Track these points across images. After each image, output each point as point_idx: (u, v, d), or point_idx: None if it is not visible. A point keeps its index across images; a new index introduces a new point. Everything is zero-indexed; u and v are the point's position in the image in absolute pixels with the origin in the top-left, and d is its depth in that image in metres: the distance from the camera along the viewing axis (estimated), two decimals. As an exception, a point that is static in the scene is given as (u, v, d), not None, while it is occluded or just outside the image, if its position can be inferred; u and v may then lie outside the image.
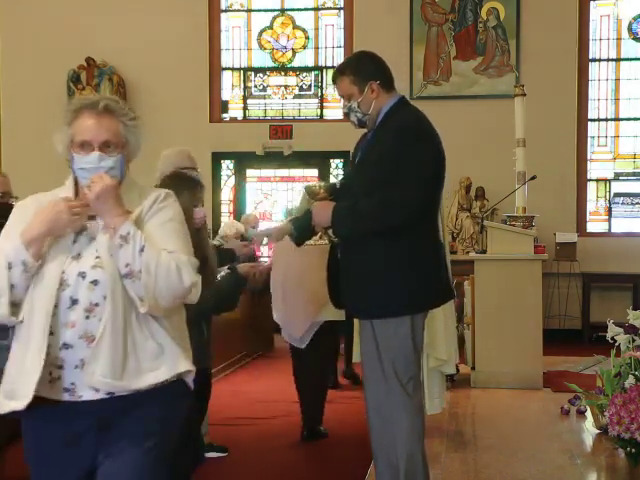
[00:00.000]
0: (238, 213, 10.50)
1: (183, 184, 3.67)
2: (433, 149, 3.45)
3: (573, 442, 5.40)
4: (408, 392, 3.42)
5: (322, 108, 11.01)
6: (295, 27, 11.11)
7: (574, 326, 10.09)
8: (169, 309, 2.36)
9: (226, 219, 10.61)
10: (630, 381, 4.69)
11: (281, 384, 7.52)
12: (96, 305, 2.30)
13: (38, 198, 2.56)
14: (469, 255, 8.11)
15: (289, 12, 11.11)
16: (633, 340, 5.06)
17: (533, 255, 7.16)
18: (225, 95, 11.16)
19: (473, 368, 7.13)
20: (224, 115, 11.13)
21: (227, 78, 11.17)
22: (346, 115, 3.61)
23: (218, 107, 11.08)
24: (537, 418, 6.07)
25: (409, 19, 10.52)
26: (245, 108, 11.13)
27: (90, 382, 2.27)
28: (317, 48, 11.05)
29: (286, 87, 11.09)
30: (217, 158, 10.93)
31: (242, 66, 11.15)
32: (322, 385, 5.68)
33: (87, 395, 2.30)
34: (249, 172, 11.07)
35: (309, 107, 11.05)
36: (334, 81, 3.62)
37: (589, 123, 10.56)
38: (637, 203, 10.47)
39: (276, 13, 11.13)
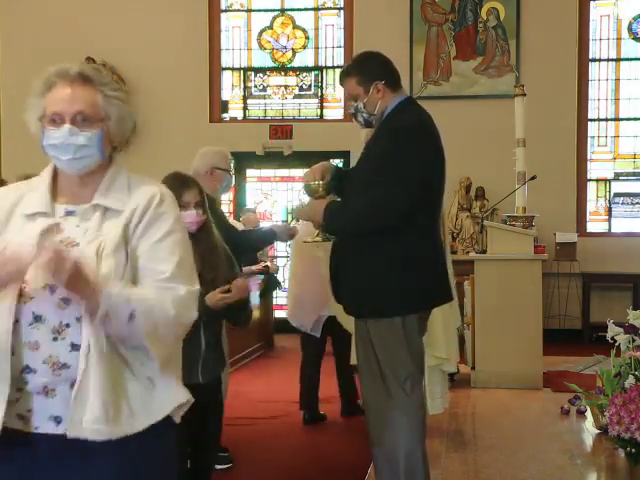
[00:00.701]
0: (238, 214, 10.50)
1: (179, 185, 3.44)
2: (429, 150, 3.43)
3: (573, 442, 5.40)
4: (406, 391, 3.42)
5: (322, 108, 11.01)
6: (295, 27, 11.11)
7: (574, 326, 10.09)
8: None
9: (226, 219, 10.60)
10: (630, 381, 4.69)
11: (281, 384, 7.53)
12: (67, 326, 1.93)
13: (17, 187, 2.20)
14: (469, 255, 8.11)
15: (289, 12, 11.12)
16: (633, 340, 5.06)
17: (533, 255, 7.16)
18: (225, 95, 11.16)
19: (473, 368, 7.13)
20: (224, 115, 11.13)
21: (227, 78, 11.17)
22: (353, 116, 3.61)
23: (218, 107, 11.08)
24: (537, 418, 6.07)
25: (409, 19, 10.52)
26: (245, 108, 11.13)
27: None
28: (317, 48, 11.05)
29: (286, 87, 11.09)
30: (217, 158, 10.92)
31: (242, 66, 11.15)
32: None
33: (44, 427, 1.95)
34: (249, 172, 11.07)
35: (309, 107, 11.06)
36: (341, 82, 3.62)
37: (589, 123, 10.56)
38: (637, 203, 10.47)
39: (276, 13, 11.13)
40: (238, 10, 11.15)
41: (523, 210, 7.67)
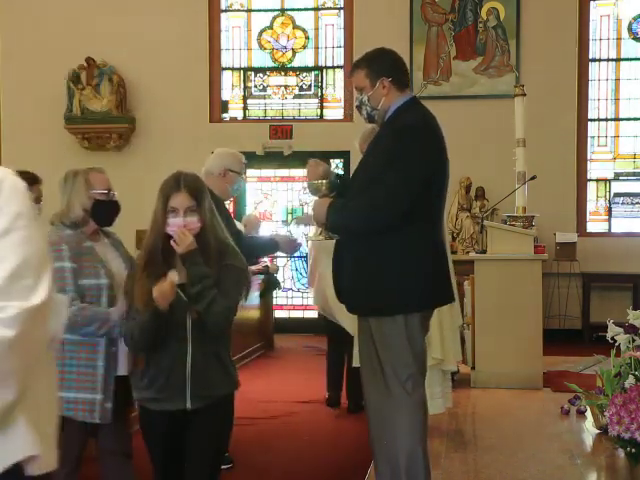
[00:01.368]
0: (238, 214, 10.50)
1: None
2: (432, 150, 3.44)
3: (573, 442, 5.40)
4: (407, 390, 3.43)
5: (322, 108, 11.00)
6: (295, 27, 11.11)
7: (574, 326, 10.09)
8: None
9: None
10: (630, 381, 4.69)
11: (281, 384, 7.53)
12: None
13: None
14: (469, 255, 8.11)
15: (289, 12, 11.11)
16: (633, 340, 5.06)
17: (533, 255, 7.16)
18: (225, 95, 11.16)
19: (473, 368, 7.13)
20: (224, 115, 11.13)
21: (227, 78, 11.17)
22: (357, 108, 3.65)
23: (218, 107, 11.08)
24: (537, 418, 6.07)
25: (409, 19, 10.52)
26: (245, 108, 11.13)
27: None
28: (317, 48, 11.05)
29: (286, 87, 11.09)
30: (217, 158, 10.92)
31: (242, 66, 11.14)
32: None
33: None
34: (249, 172, 11.04)
35: (309, 107, 11.05)
36: (351, 73, 3.65)
37: (589, 123, 10.56)
38: (637, 203, 10.47)
39: (276, 13, 11.13)
40: (238, 10, 11.15)
41: (523, 210, 7.67)
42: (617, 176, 10.58)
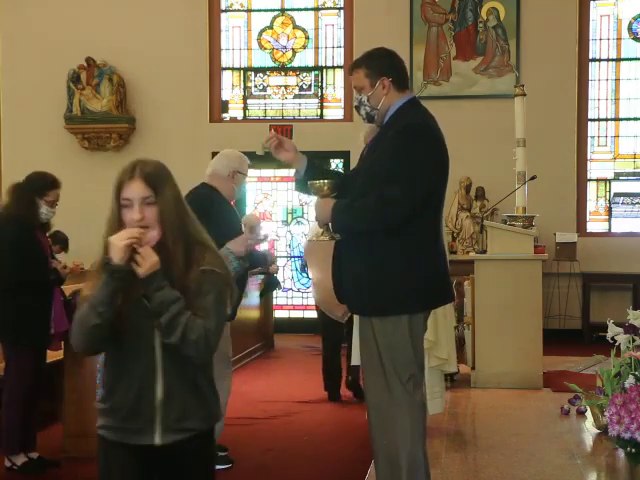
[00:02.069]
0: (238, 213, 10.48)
1: None
2: (433, 150, 3.44)
3: (573, 442, 5.40)
4: (408, 390, 3.43)
5: (322, 108, 11.00)
6: (295, 27, 11.11)
7: (574, 326, 10.09)
8: None
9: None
10: (630, 381, 4.68)
11: (281, 384, 7.53)
12: None
13: None
14: (469, 255, 8.11)
15: (289, 12, 11.11)
16: (633, 340, 5.06)
17: (533, 255, 7.16)
18: (225, 95, 11.16)
19: (473, 368, 7.13)
20: (224, 115, 11.13)
21: (227, 78, 11.17)
22: (356, 108, 3.64)
23: (218, 107, 11.08)
24: (537, 418, 6.07)
25: (409, 19, 10.52)
26: (245, 108, 11.13)
27: None
28: (317, 48, 11.05)
29: (286, 87, 11.09)
30: (217, 158, 10.92)
31: (242, 66, 11.14)
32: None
33: None
34: (249, 172, 11.04)
35: (309, 107, 11.05)
36: (350, 72, 3.64)
37: (589, 123, 10.56)
38: (637, 203, 10.47)
39: (276, 13, 11.13)
40: (238, 10, 11.15)
41: (523, 210, 7.67)
42: (617, 176, 10.58)
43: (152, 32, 10.82)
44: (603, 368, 5.33)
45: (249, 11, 11.16)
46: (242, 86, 11.12)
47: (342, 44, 10.91)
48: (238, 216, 5.13)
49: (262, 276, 9.02)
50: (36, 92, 11.00)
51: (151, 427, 2.49)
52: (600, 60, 10.58)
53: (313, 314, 10.64)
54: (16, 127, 11.17)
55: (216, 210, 4.70)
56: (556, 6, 10.30)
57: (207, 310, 2.46)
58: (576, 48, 10.36)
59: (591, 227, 10.59)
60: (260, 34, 11.13)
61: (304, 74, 11.07)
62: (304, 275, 10.25)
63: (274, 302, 10.16)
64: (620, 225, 10.53)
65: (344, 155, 10.58)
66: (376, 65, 3.54)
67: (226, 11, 11.14)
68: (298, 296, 11.00)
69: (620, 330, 5.13)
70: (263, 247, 6.90)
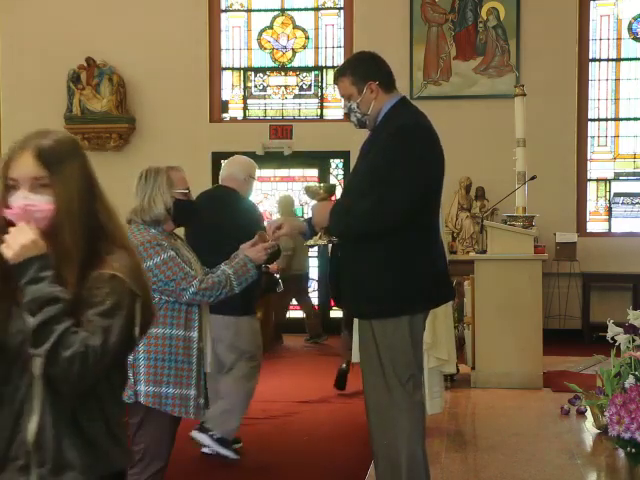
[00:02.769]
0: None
1: None
2: (428, 150, 3.44)
3: (573, 442, 5.40)
4: (408, 391, 3.43)
5: (322, 108, 11.00)
6: (295, 27, 11.11)
7: (574, 326, 10.09)
8: None
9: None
10: (630, 381, 4.68)
11: (282, 384, 7.53)
12: None
13: None
14: (469, 255, 8.11)
15: (289, 12, 11.11)
16: (633, 340, 5.06)
17: (533, 255, 7.16)
18: (225, 95, 11.16)
19: (473, 368, 7.13)
20: (224, 115, 11.13)
21: (227, 78, 11.17)
22: (347, 116, 3.63)
23: (218, 107, 11.08)
24: (537, 418, 6.07)
25: (409, 19, 10.51)
26: (245, 108, 11.13)
27: None
28: (317, 48, 11.05)
29: (286, 87, 11.09)
30: (217, 158, 10.91)
31: (242, 66, 11.14)
32: None
33: None
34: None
35: (309, 107, 11.05)
36: (335, 82, 3.64)
37: (589, 123, 10.56)
38: (637, 203, 10.47)
39: (276, 13, 11.12)
40: (238, 10, 11.15)
41: (523, 210, 7.67)
42: (617, 176, 10.57)
43: (152, 32, 10.82)
44: (603, 368, 5.33)
45: (249, 11, 11.15)
46: (242, 86, 11.12)
47: (342, 44, 10.91)
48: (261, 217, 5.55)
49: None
50: (36, 92, 11.00)
51: (26, 475, 1.89)
52: (600, 60, 10.57)
53: (313, 314, 10.65)
54: (16, 127, 11.16)
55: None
56: (556, 6, 10.30)
57: (94, 324, 1.86)
58: (576, 48, 10.36)
59: (591, 227, 10.59)
60: (260, 34, 11.12)
61: (304, 74, 11.07)
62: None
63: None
64: (620, 225, 10.52)
65: (344, 155, 10.58)
66: (361, 71, 3.53)
67: (226, 11, 11.14)
68: (298, 296, 10.98)
69: (620, 330, 5.13)
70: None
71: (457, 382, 7.08)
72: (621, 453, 4.64)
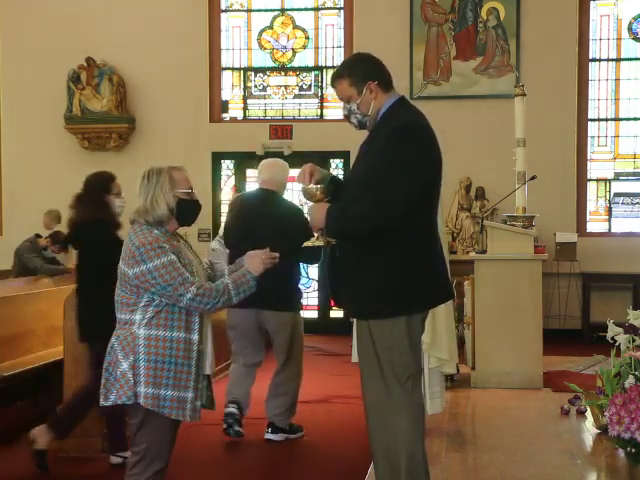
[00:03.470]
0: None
1: None
2: (426, 151, 3.43)
3: (573, 442, 5.40)
4: (407, 391, 3.42)
5: (322, 108, 11.01)
6: (295, 27, 11.11)
7: (574, 326, 10.09)
8: None
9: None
10: (630, 381, 4.68)
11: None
12: None
13: None
14: (469, 255, 8.10)
15: (289, 12, 11.12)
16: (633, 340, 5.06)
17: (533, 255, 7.15)
18: (225, 95, 11.16)
19: (473, 368, 7.13)
20: (224, 115, 11.13)
21: (227, 78, 11.17)
22: (346, 117, 3.61)
23: (218, 107, 11.08)
24: (537, 418, 6.07)
25: (409, 19, 10.52)
26: (245, 108, 11.13)
27: None
28: (317, 48, 11.05)
29: (286, 87, 11.09)
30: (217, 158, 10.93)
31: (242, 66, 11.15)
32: None
33: None
34: (249, 172, 11.06)
35: (309, 107, 11.06)
36: (333, 85, 3.62)
37: (589, 123, 10.56)
38: (637, 203, 10.47)
39: (276, 13, 11.13)
40: (238, 10, 11.15)
41: (523, 210, 7.67)
42: (617, 176, 10.58)
43: (152, 32, 10.83)
44: (603, 368, 5.33)
45: (249, 11, 11.16)
46: (242, 86, 11.12)
47: (342, 44, 10.91)
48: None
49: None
50: (36, 92, 11.00)
51: None
52: (600, 60, 10.58)
53: (313, 314, 10.65)
54: (16, 127, 11.17)
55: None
56: (556, 6, 10.30)
57: None
58: (576, 48, 10.36)
59: (591, 227, 10.59)
60: (260, 34, 11.13)
61: (304, 74, 11.07)
62: (303, 275, 10.25)
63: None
64: (620, 225, 10.53)
65: (344, 155, 10.58)
66: (359, 72, 3.51)
67: (226, 11, 11.15)
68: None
69: (620, 330, 5.14)
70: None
71: (457, 382, 7.08)
72: (621, 453, 4.65)
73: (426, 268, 3.45)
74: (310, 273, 10.72)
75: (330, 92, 10.97)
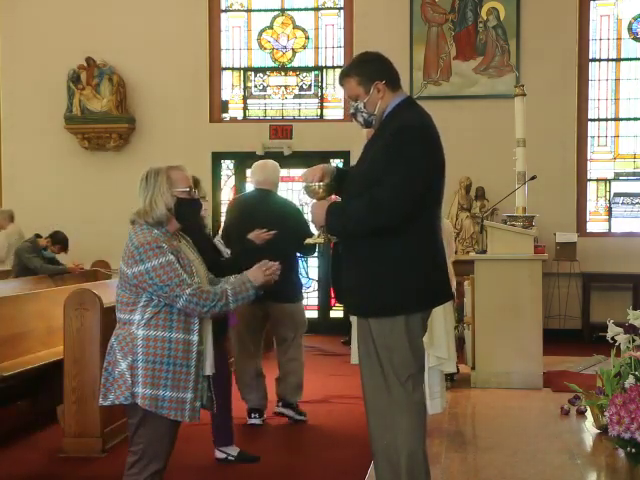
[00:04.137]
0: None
1: None
2: (429, 151, 3.43)
3: (573, 442, 5.40)
4: (407, 390, 3.42)
5: (322, 108, 11.01)
6: (295, 27, 11.11)
7: (574, 326, 10.09)
8: None
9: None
10: (630, 381, 4.69)
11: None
12: None
13: None
14: (469, 255, 8.11)
15: (289, 12, 11.11)
16: (633, 340, 5.06)
17: (533, 255, 7.15)
18: (225, 95, 11.16)
19: (473, 368, 7.13)
20: (224, 115, 11.13)
21: (227, 78, 11.17)
22: (353, 116, 3.61)
23: (218, 107, 11.08)
24: (537, 418, 6.07)
25: (409, 19, 10.52)
26: (245, 108, 11.13)
27: None
28: (317, 48, 11.05)
29: (286, 87, 11.09)
30: (217, 158, 10.93)
31: (242, 66, 11.15)
32: None
33: None
34: (249, 172, 11.03)
35: (309, 107, 11.05)
36: (341, 83, 3.61)
37: (589, 123, 10.56)
38: (637, 203, 10.47)
39: (276, 13, 11.13)
40: (238, 10, 11.15)
41: (523, 210, 7.67)
42: (617, 176, 10.58)
43: (152, 32, 10.83)
44: (603, 368, 5.34)
45: (249, 11, 11.16)
46: (242, 86, 11.12)
47: (342, 44, 10.91)
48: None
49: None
50: (36, 92, 11.00)
51: None
52: (600, 60, 10.58)
53: (313, 314, 10.65)
54: (16, 127, 11.17)
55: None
56: (556, 6, 10.30)
57: None
58: (576, 48, 10.36)
59: (591, 227, 10.59)
60: (260, 34, 11.13)
61: (304, 74, 11.07)
62: (303, 276, 10.26)
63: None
64: (620, 225, 10.53)
65: (344, 155, 10.58)
66: (367, 71, 3.51)
67: (226, 11, 11.15)
68: (298, 296, 10.98)
69: (620, 330, 5.14)
70: None
71: (457, 382, 7.08)
72: (621, 453, 4.64)
73: (426, 268, 3.45)
74: (310, 273, 10.73)
75: (330, 92, 10.97)
